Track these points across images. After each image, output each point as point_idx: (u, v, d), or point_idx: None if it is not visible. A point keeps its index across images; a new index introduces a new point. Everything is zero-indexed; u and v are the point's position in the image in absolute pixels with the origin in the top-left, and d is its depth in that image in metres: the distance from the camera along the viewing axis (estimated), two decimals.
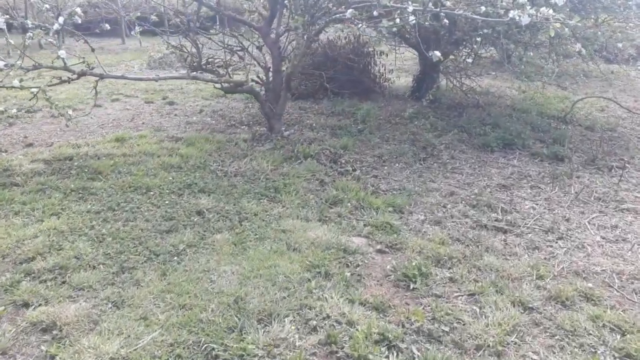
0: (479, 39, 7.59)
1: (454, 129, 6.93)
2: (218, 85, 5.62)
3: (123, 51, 16.07)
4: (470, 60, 9.10)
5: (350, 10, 4.02)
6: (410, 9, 3.90)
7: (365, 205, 4.20)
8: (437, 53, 3.97)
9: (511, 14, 3.46)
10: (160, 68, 11.84)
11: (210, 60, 5.68)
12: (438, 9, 4.06)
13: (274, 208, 4.02)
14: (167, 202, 4.00)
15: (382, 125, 6.98)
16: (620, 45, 6.00)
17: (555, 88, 9.84)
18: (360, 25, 4.47)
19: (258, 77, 6.08)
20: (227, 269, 3.08)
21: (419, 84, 8.85)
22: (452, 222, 4.03)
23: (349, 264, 3.27)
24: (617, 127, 7.57)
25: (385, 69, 9.20)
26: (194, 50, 5.60)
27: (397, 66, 11.33)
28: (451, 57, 8.01)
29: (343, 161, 5.24)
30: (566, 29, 3.41)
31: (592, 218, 4.26)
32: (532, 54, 6.11)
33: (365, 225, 3.85)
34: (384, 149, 5.82)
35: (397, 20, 4.10)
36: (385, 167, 5.34)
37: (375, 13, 4.25)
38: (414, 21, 4.00)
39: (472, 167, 5.48)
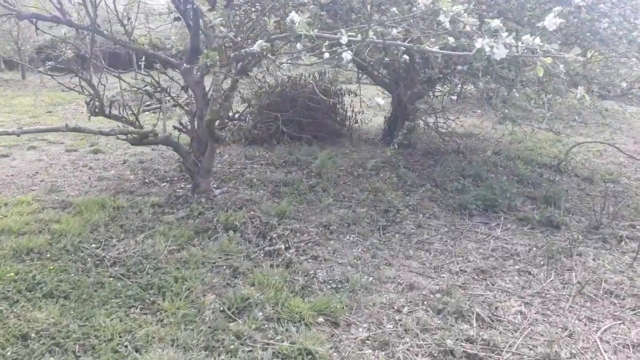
0: (456, 77, 6.56)
1: (427, 182, 5.76)
2: (122, 137, 4.44)
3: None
4: (454, 97, 8.03)
5: (258, 42, 2.87)
6: (345, 39, 2.76)
7: (284, 315, 2.94)
8: (380, 101, 2.80)
9: (478, 43, 2.31)
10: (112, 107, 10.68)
11: (113, 102, 4.50)
12: (381, 40, 2.92)
13: (144, 325, 2.75)
14: None
15: (340, 179, 5.79)
16: (624, 84, 4.92)
17: (546, 130, 8.78)
18: (282, 61, 3.35)
19: (181, 124, 4.91)
20: None
21: (391, 127, 7.73)
22: (405, 343, 2.78)
23: None
24: (619, 177, 6.44)
25: (353, 110, 8.09)
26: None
27: (374, 105, 10.28)
28: (425, 97, 6.94)
29: (275, 235, 4.00)
30: (561, 66, 2.24)
31: (605, 329, 3.03)
32: (517, 94, 5.00)
33: (274, 356, 2.59)
34: (334, 214, 4.60)
35: (326, 55, 2.95)
36: (332, 242, 4.12)
37: (299, 46, 3.11)
38: (349, 56, 2.84)
39: (443, 241, 4.26)
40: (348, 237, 4.22)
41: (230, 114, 5.27)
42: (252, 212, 4.34)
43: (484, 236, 4.40)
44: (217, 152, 6.64)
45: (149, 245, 3.65)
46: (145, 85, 4.96)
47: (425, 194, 5.39)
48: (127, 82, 4.82)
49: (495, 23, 2.43)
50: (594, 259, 4.00)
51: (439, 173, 6.04)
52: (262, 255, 3.74)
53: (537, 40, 2.42)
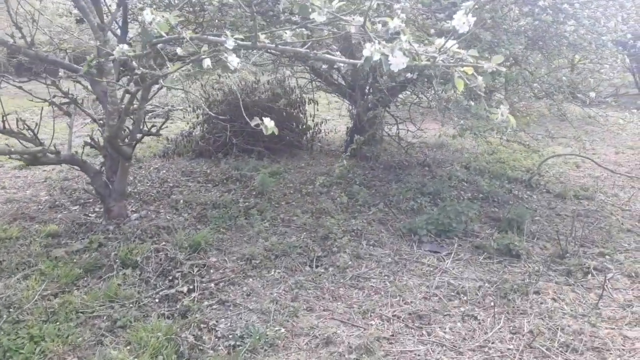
0: (416, 85, 6.01)
1: (381, 201, 5.19)
2: (15, 156, 3.83)
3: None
4: (436, 105, 7.45)
5: (117, 48, 2.29)
6: (230, 43, 2.18)
7: None
8: (269, 122, 2.22)
9: (367, 50, 1.75)
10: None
11: (5, 116, 3.89)
12: (273, 45, 2.35)
13: None
14: None
15: (286, 198, 5.21)
16: (592, 94, 4.38)
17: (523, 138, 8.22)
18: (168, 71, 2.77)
19: (92, 139, 4.31)
20: None
21: (353, 138, 7.17)
22: None
23: None
24: (595, 193, 5.89)
25: (314, 119, 7.51)
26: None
27: (338, 114, 9.73)
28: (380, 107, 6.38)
29: (178, 274, 3.41)
30: (479, 78, 1.67)
31: None
32: (473, 103, 4.43)
33: None
34: (260, 244, 4.01)
35: (207, 64, 2.37)
36: (251, 279, 3.53)
37: (179, 51, 2.54)
38: (236, 63, 2.26)
39: (382, 275, 3.68)
40: (272, 273, 3.63)
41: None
42: (162, 244, 3.75)
43: (431, 269, 3.83)
44: (155, 167, 6.06)
45: (22, 289, 3.05)
46: (54, 96, 4.36)
47: (376, 216, 4.83)
48: (30, 92, 4.22)
49: (395, 23, 1.87)
50: (553, 299, 3.44)
51: (396, 190, 5.48)
52: (157, 300, 3.14)
53: (451, 44, 1.87)
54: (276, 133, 2.28)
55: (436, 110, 7.99)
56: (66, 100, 4.30)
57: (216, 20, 4.05)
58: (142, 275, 3.38)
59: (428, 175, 6.24)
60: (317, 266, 3.78)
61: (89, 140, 4.30)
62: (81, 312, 2.91)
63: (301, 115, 7.52)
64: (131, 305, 3.04)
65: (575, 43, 4.49)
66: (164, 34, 2.10)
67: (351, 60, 1.97)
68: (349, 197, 5.24)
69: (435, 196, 5.34)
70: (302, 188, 5.55)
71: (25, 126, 3.89)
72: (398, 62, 1.76)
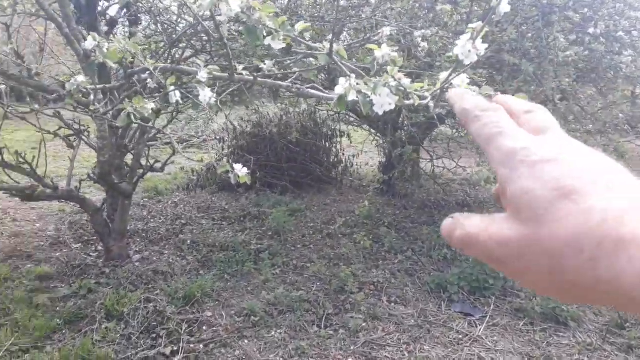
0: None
1: (410, 247, 4.67)
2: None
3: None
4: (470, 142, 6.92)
5: (72, 80, 1.96)
6: (203, 75, 1.83)
7: None
8: (241, 170, 1.82)
9: (339, 87, 1.31)
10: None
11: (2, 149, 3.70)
12: (251, 78, 1.97)
13: None
14: None
15: (302, 241, 4.78)
16: None
17: None
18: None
19: (93, 173, 4.06)
20: None
21: (386, 173, 6.70)
22: None
23: None
24: None
25: (344, 152, 7.12)
26: None
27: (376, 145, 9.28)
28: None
29: (164, 332, 3.01)
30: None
31: None
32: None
33: None
34: (263, 297, 3.57)
35: (175, 98, 2.01)
36: (247, 341, 3.09)
37: (150, 83, 2.20)
38: (208, 97, 1.89)
39: (400, 343, 3.15)
40: (272, 334, 3.17)
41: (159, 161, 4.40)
42: (155, 293, 3.38)
43: (460, 336, 3.26)
44: (174, 201, 5.80)
45: None
46: (59, 128, 4.17)
47: (402, 265, 4.30)
48: (33, 124, 4.04)
49: (383, 51, 1.42)
50: None
51: (427, 235, 4.93)
52: None
53: (461, 79, 1.40)
54: (249, 182, 1.88)
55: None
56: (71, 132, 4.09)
57: (224, 50, 3.76)
58: (126, 330, 3.01)
59: None
60: (325, 327, 3.30)
61: (91, 175, 4.05)
62: None
63: (333, 149, 7.17)
64: None
65: (633, 76, 3.90)
66: (112, 64, 1.76)
67: (329, 95, 1.54)
68: (374, 240, 4.75)
69: None
70: (323, 228, 5.11)
71: (23, 160, 3.68)
72: (383, 102, 1.31)
